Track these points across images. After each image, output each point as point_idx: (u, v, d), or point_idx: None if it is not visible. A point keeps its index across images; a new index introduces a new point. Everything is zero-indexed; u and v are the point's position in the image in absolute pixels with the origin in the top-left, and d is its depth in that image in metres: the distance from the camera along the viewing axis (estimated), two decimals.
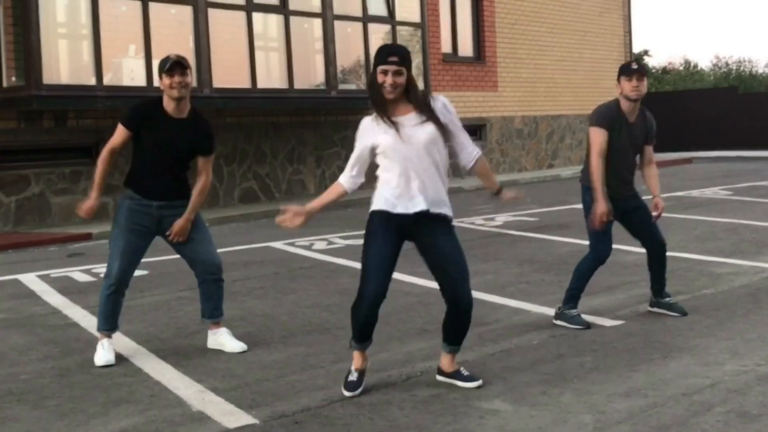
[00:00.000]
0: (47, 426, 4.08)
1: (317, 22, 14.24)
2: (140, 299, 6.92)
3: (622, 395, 4.20)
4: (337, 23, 14.35)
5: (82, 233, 10.77)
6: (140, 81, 11.79)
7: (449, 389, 4.37)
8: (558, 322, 5.62)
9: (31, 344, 5.61)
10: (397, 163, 4.20)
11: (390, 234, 4.24)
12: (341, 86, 14.56)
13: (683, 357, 4.81)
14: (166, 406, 4.29)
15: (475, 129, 18.50)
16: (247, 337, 5.50)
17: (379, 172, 4.31)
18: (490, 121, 19.00)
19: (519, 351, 5.06)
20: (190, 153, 5.10)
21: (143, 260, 7.78)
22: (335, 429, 3.91)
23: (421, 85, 15.37)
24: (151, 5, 11.87)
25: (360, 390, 4.34)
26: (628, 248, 8.11)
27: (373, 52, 15.16)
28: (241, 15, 13.06)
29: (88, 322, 6.15)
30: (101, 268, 8.37)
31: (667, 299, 5.81)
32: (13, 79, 11.35)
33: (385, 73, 4.12)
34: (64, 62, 11.68)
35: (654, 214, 5.68)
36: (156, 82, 11.68)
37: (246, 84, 13.13)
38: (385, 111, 4.20)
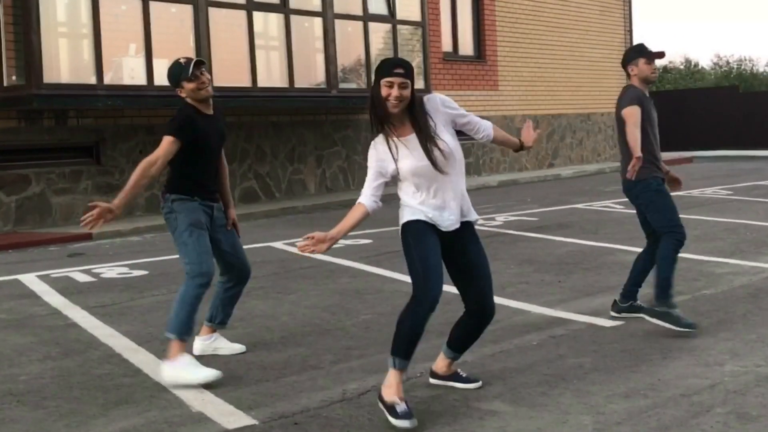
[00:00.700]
0: (47, 427, 4.08)
1: (318, 21, 14.23)
2: (140, 299, 6.92)
3: (622, 396, 4.20)
4: (337, 22, 14.35)
5: (82, 233, 10.76)
6: (140, 80, 11.79)
7: (448, 390, 4.37)
8: (656, 321, 5.38)
9: (31, 345, 5.61)
10: (423, 184, 4.08)
11: (434, 236, 4.11)
12: (342, 85, 14.56)
13: (683, 357, 4.81)
14: (166, 407, 4.29)
15: None
16: (247, 338, 5.50)
17: (401, 191, 4.17)
18: (490, 120, 18.94)
19: (519, 352, 5.06)
20: (223, 145, 5.17)
21: (143, 260, 7.76)
22: (335, 429, 3.91)
23: (421, 84, 15.37)
24: (152, 4, 11.87)
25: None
26: (628, 248, 8.12)
27: (373, 51, 15.32)
28: (242, 14, 13.06)
29: (88, 322, 6.15)
30: (101, 269, 8.39)
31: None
32: (14, 78, 11.35)
33: (390, 85, 3.98)
34: (65, 61, 11.67)
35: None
36: (158, 82, 11.82)
37: (246, 83, 13.13)
38: (392, 129, 4.07)
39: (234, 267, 5.17)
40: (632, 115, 5.44)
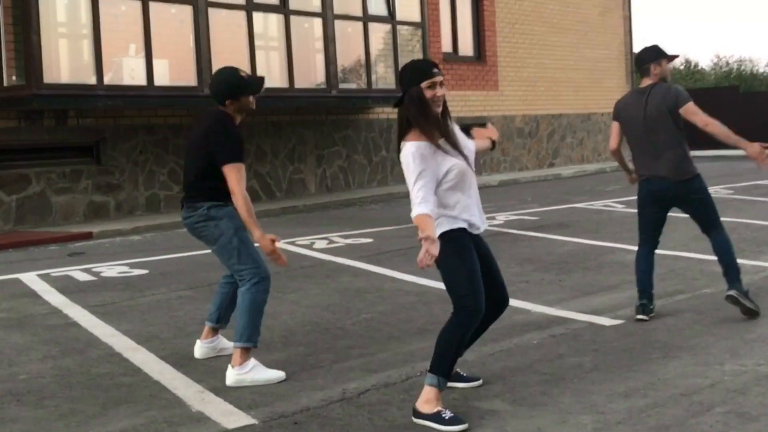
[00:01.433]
0: (47, 426, 4.08)
1: (317, 22, 14.24)
2: (140, 299, 6.92)
3: (622, 395, 4.20)
4: (337, 23, 14.36)
5: (82, 232, 10.77)
6: (140, 80, 11.78)
7: (448, 389, 4.35)
8: (746, 302, 5.60)
9: (31, 344, 5.61)
10: (465, 185, 4.04)
11: (472, 244, 4.09)
12: (342, 85, 14.57)
13: (683, 357, 4.81)
14: (166, 407, 4.29)
15: None
16: None
17: (439, 194, 4.05)
18: (490, 120, 18.99)
19: (519, 351, 5.06)
20: None
21: (143, 259, 7.76)
22: (334, 429, 3.91)
23: None
24: (152, 5, 11.87)
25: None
26: (628, 247, 8.11)
27: (373, 51, 15.31)
28: (241, 14, 13.06)
29: (88, 321, 6.15)
30: (102, 268, 8.39)
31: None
32: (14, 78, 11.36)
33: (433, 86, 3.94)
34: (65, 61, 11.68)
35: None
36: (158, 82, 11.83)
37: None
38: (446, 132, 4.01)
39: None
40: (698, 109, 5.65)
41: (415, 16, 15.94)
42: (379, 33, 15.25)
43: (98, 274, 8.05)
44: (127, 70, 11.84)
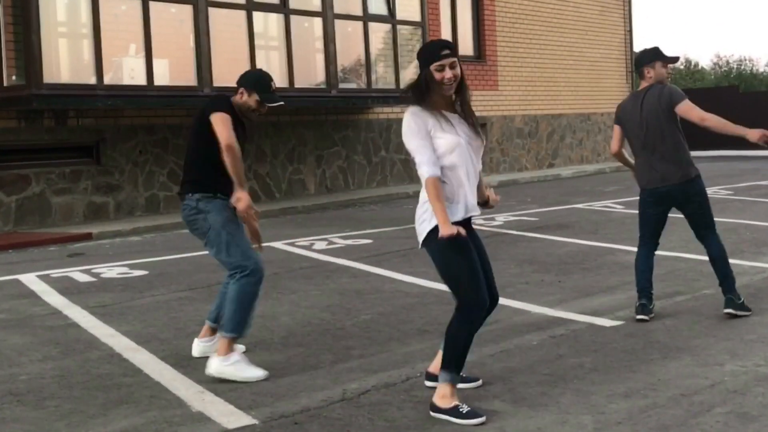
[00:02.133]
0: (47, 426, 4.08)
1: (317, 21, 14.23)
2: (140, 299, 6.92)
3: (622, 396, 4.20)
4: (337, 22, 14.35)
5: (82, 233, 10.77)
6: (140, 80, 11.77)
7: None
8: (740, 313, 5.66)
9: (31, 344, 5.60)
10: (459, 164, 3.96)
11: (470, 239, 4.04)
12: (342, 85, 14.56)
13: (683, 357, 4.81)
14: (166, 407, 4.29)
15: None
16: (247, 338, 5.47)
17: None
18: (490, 120, 19.00)
19: (519, 351, 5.06)
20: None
21: (143, 260, 7.78)
22: (334, 429, 3.91)
23: None
24: (152, 4, 11.86)
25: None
26: (628, 248, 8.11)
27: (373, 51, 15.29)
28: (242, 14, 13.05)
29: (88, 322, 6.15)
30: (101, 268, 8.39)
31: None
32: (14, 78, 11.35)
33: (442, 68, 3.88)
34: (65, 61, 11.67)
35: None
36: (158, 82, 11.83)
37: None
38: (442, 114, 3.96)
39: None
40: (693, 105, 5.60)
41: (415, 16, 15.94)
42: (379, 33, 15.25)
43: (98, 275, 8.05)
44: (127, 70, 11.84)
